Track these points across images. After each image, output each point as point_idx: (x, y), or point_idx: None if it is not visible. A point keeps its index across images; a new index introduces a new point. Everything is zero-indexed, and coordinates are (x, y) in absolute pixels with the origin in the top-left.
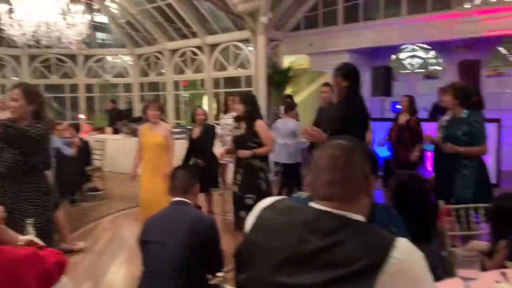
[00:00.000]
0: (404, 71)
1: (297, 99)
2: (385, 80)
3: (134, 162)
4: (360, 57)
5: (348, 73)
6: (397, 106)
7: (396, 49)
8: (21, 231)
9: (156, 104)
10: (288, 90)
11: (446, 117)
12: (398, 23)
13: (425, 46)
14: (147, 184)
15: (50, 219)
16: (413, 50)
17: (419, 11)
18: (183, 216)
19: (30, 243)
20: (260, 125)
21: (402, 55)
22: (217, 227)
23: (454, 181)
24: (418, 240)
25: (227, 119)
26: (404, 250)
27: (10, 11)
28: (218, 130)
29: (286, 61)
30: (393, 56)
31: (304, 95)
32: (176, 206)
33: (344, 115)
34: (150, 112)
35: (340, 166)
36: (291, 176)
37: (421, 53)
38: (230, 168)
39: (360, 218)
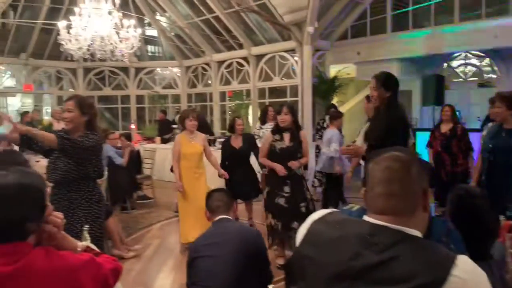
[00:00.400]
0: (456, 80)
1: (344, 108)
2: (436, 89)
3: (177, 171)
4: (410, 65)
5: (388, 82)
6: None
7: (448, 57)
8: (75, 237)
9: (195, 114)
10: (334, 100)
11: (490, 127)
12: (450, 30)
13: (479, 53)
14: (188, 192)
15: (101, 226)
16: (466, 57)
17: (473, 17)
18: (230, 230)
19: (86, 250)
20: (304, 135)
21: (454, 63)
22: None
23: (510, 193)
24: (477, 258)
25: (266, 130)
26: (466, 268)
27: (69, 26)
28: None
29: (333, 70)
30: (445, 64)
31: (351, 104)
32: (221, 223)
33: (386, 124)
34: (189, 122)
35: (397, 179)
36: (333, 186)
37: (475, 61)
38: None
39: (417, 233)
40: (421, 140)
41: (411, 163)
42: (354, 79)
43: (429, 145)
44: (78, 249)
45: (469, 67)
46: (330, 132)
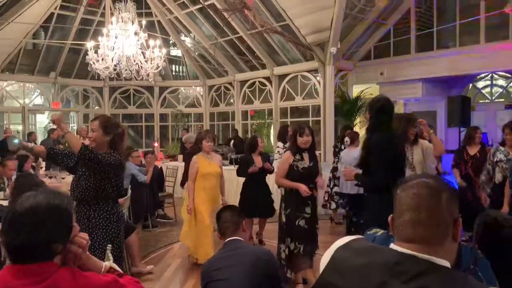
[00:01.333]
0: (483, 101)
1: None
2: (462, 110)
3: (192, 193)
4: (434, 86)
5: (372, 105)
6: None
7: (473, 77)
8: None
9: (211, 135)
10: (357, 120)
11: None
12: (476, 51)
13: (506, 74)
14: (200, 211)
15: (120, 246)
16: (493, 78)
17: (499, 38)
18: (242, 251)
19: (110, 270)
20: (317, 156)
21: (480, 84)
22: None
23: None
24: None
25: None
26: None
27: (96, 47)
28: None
29: (355, 90)
30: (470, 85)
31: None
32: (232, 245)
33: (366, 148)
34: (205, 143)
35: (426, 207)
36: (355, 208)
37: (501, 82)
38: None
39: (446, 263)
40: (447, 161)
41: (441, 190)
42: None
43: (456, 166)
44: (102, 269)
45: (496, 88)
46: (356, 152)
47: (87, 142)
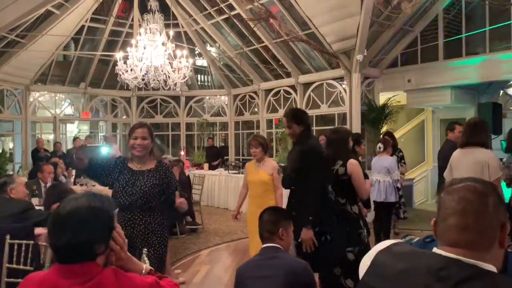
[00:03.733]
0: None
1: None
2: (493, 117)
3: (239, 199)
4: (463, 93)
5: (298, 117)
6: None
7: (504, 84)
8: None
9: (256, 141)
10: (385, 128)
11: None
12: (506, 56)
13: None
14: (253, 220)
15: (167, 250)
16: None
17: None
18: (276, 262)
19: (150, 272)
20: None
21: (511, 91)
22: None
23: None
24: None
25: None
26: None
27: (125, 57)
28: None
29: (382, 98)
30: (501, 92)
31: (402, 133)
32: (267, 253)
33: (298, 157)
34: (250, 149)
35: (473, 211)
36: (381, 215)
37: None
38: None
39: (492, 268)
40: None
41: (488, 194)
42: (405, 107)
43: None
44: (143, 271)
45: None
46: (389, 159)
47: (116, 147)
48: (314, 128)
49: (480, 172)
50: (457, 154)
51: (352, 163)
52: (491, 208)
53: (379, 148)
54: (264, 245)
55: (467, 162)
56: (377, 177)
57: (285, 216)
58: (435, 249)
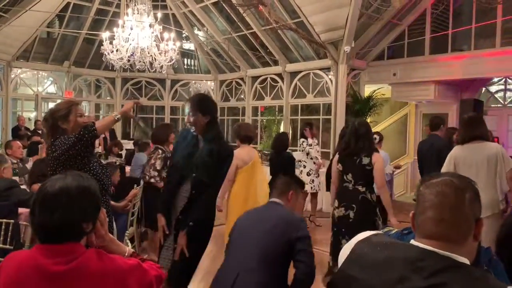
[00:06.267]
0: (495, 105)
1: (378, 129)
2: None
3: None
4: (447, 88)
5: (204, 105)
6: None
7: (486, 81)
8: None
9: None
10: (368, 120)
11: None
12: (491, 55)
13: None
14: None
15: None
16: (506, 83)
17: None
18: (272, 212)
19: (132, 255)
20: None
21: (493, 88)
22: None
23: None
24: None
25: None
26: None
27: (111, 38)
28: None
29: (367, 90)
30: (483, 89)
31: (385, 125)
32: (269, 204)
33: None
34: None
35: (450, 205)
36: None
37: None
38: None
39: (466, 261)
40: None
41: (465, 189)
42: (389, 99)
43: None
44: (125, 254)
45: (509, 93)
46: (381, 154)
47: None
48: (299, 117)
49: (493, 166)
50: (459, 150)
51: (377, 155)
52: (467, 203)
53: (374, 139)
54: (269, 200)
55: (477, 158)
56: None
57: (299, 184)
58: (412, 241)
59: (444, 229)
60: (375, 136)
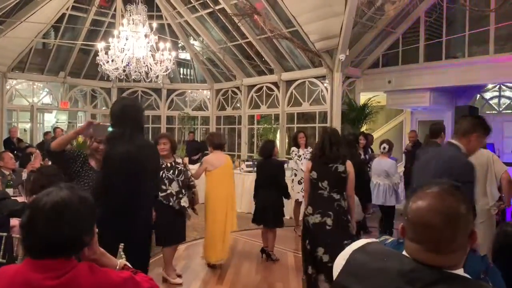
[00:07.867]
0: (490, 112)
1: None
2: None
3: None
4: (442, 95)
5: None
6: None
7: (481, 88)
8: None
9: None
10: (364, 128)
11: None
12: (484, 61)
13: None
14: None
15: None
16: (501, 89)
17: (508, 49)
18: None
19: (123, 267)
20: None
21: (487, 95)
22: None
23: None
24: None
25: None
26: None
27: (107, 48)
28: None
29: (363, 98)
30: (478, 96)
31: (380, 133)
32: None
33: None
34: None
35: (443, 218)
36: (390, 217)
37: (509, 93)
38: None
39: (460, 272)
40: None
41: (458, 202)
42: (384, 107)
43: None
44: (117, 266)
45: (503, 99)
46: (388, 163)
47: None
48: (295, 125)
49: (484, 174)
50: None
51: (349, 163)
52: (461, 216)
53: (384, 148)
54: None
55: None
56: (377, 180)
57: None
58: (405, 252)
59: (438, 241)
60: (384, 145)
